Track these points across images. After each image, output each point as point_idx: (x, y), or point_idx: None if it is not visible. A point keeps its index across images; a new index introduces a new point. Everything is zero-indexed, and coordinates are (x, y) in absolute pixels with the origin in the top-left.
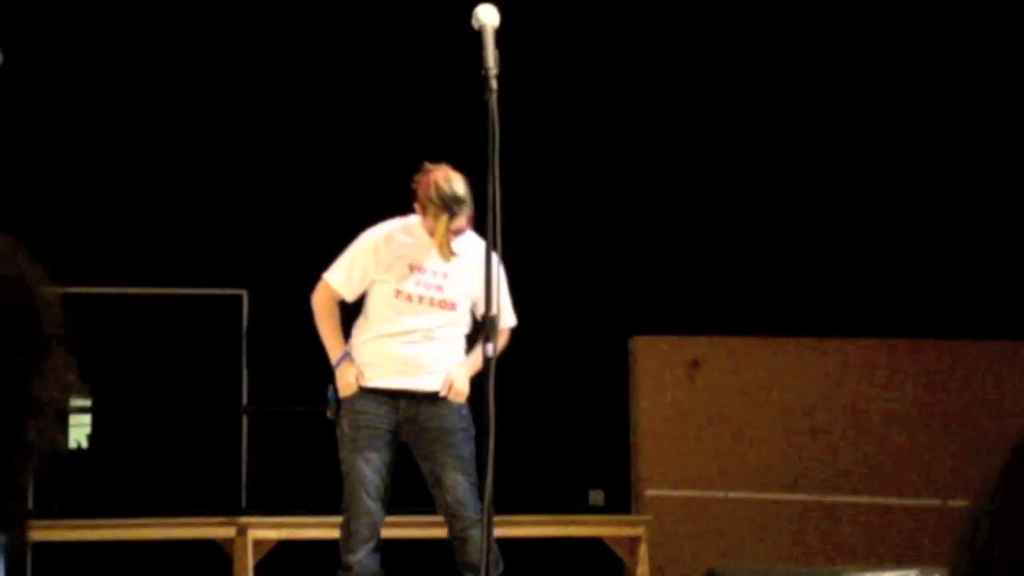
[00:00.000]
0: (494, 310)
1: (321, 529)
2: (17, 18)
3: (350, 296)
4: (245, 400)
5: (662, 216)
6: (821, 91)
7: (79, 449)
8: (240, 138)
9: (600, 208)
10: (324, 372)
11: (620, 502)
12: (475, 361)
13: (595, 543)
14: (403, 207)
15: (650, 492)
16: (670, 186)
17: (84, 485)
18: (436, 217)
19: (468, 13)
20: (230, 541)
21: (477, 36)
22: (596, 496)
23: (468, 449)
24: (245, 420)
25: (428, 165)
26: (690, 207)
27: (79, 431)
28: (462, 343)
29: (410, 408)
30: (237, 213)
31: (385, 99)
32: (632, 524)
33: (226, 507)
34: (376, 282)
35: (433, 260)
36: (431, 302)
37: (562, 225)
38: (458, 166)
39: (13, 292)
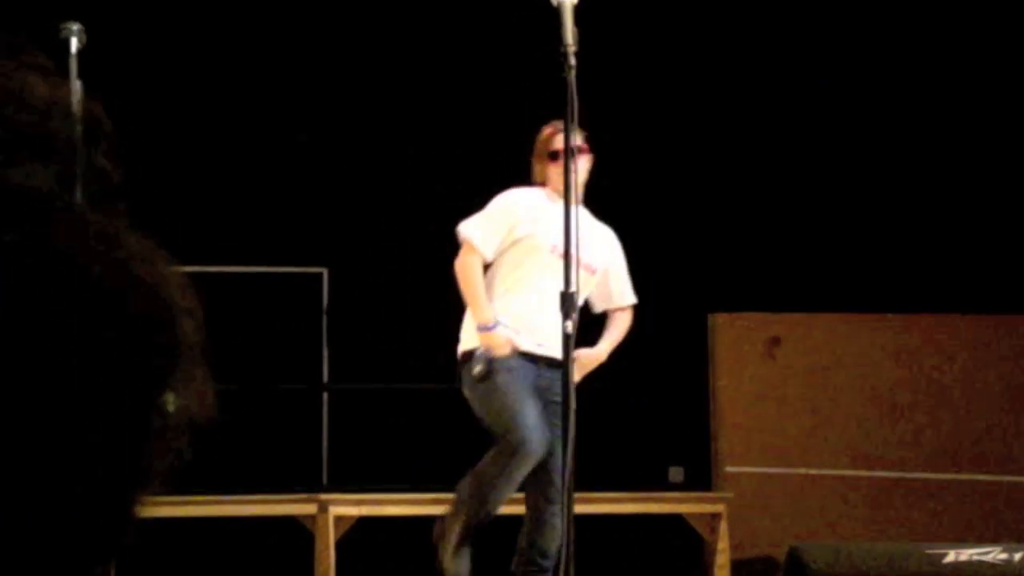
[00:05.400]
0: (572, 287)
1: (402, 506)
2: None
3: (491, 254)
4: (326, 378)
5: (742, 193)
6: (900, 69)
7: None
8: (320, 116)
9: (679, 184)
10: (404, 349)
11: (700, 479)
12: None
13: (675, 520)
14: (482, 185)
15: (730, 469)
16: (750, 162)
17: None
18: (545, 164)
19: None
20: (311, 518)
21: (556, 13)
22: (676, 473)
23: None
24: (326, 398)
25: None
26: (770, 183)
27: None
28: None
29: (545, 375)
30: (317, 191)
31: (464, 77)
32: (712, 501)
33: (307, 484)
34: (522, 241)
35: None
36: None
37: (641, 201)
38: (533, 144)
39: (149, 297)
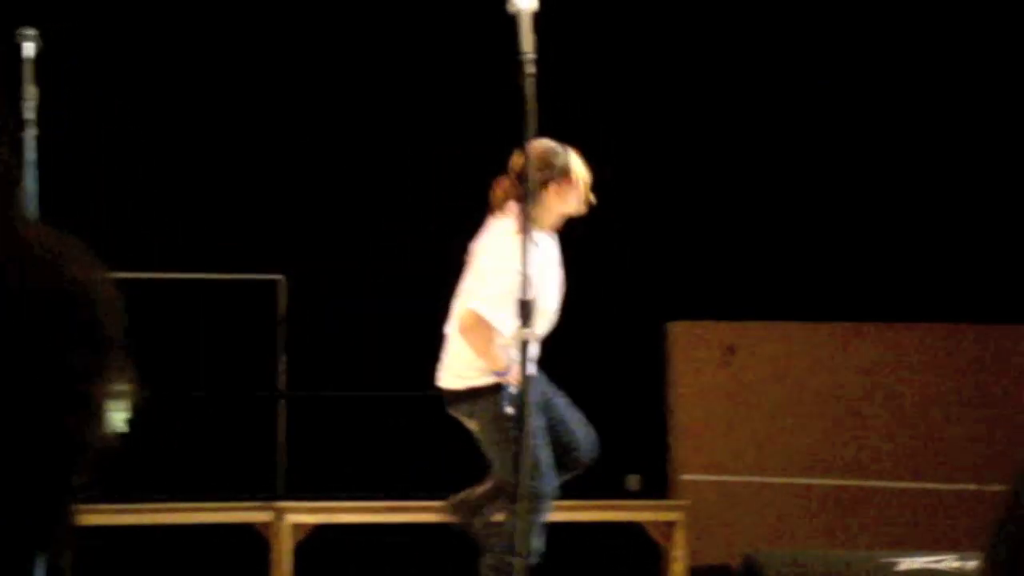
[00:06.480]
0: (530, 294)
1: (359, 514)
2: (51, 6)
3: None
4: (282, 385)
5: (698, 201)
6: (857, 76)
7: (117, 434)
8: (277, 123)
9: (636, 193)
10: (361, 356)
11: (657, 487)
12: None
13: (632, 528)
14: (439, 193)
15: (687, 477)
16: (705, 171)
17: (121, 470)
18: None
19: None
20: (267, 526)
21: (513, 21)
22: (633, 481)
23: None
24: (283, 405)
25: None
26: (726, 192)
27: (117, 416)
28: None
29: (540, 378)
30: (274, 198)
31: (419, 84)
32: (669, 509)
33: (264, 492)
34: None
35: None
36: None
37: (598, 210)
38: (492, 152)
39: (77, 293)
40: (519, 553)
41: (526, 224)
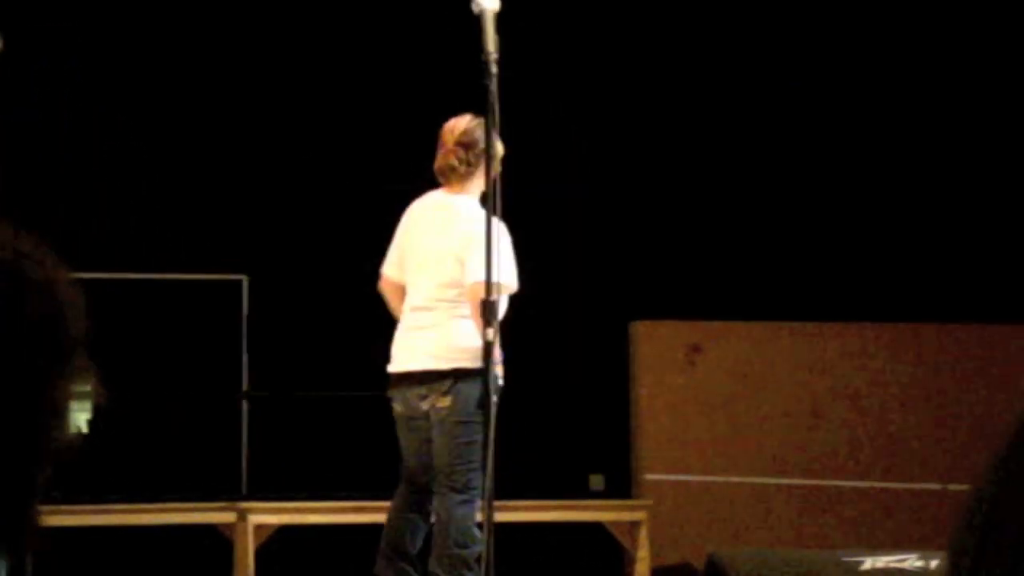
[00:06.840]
0: (493, 295)
1: (323, 514)
2: (16, 3)
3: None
4: (245, 385)
5: (662, 200)
6: (820, 77)
7: (79, 434)
8: (239, 123)
9: (600, 192)
10: (324, 356)
11: (620, 487)
12: None
13: (595, 528)
14: (402, 194)
15: (650, 476)
16: (670, 169)
17: (83, 470)
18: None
19: None
20: (230, 526)
21: (478, 20)
22: (596, 481)
23: None
24: (245, 406)
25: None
26: (690, 192)
27: (79, 416)
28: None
29: None
30: (237, 198)
31: (384, 84)
32: (632, 509)
33: (227, 492)
34: None
35: None
36: None
37: (562, 208)
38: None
39: (41, 295)
40: (471, 542)
41: (494, 193)
